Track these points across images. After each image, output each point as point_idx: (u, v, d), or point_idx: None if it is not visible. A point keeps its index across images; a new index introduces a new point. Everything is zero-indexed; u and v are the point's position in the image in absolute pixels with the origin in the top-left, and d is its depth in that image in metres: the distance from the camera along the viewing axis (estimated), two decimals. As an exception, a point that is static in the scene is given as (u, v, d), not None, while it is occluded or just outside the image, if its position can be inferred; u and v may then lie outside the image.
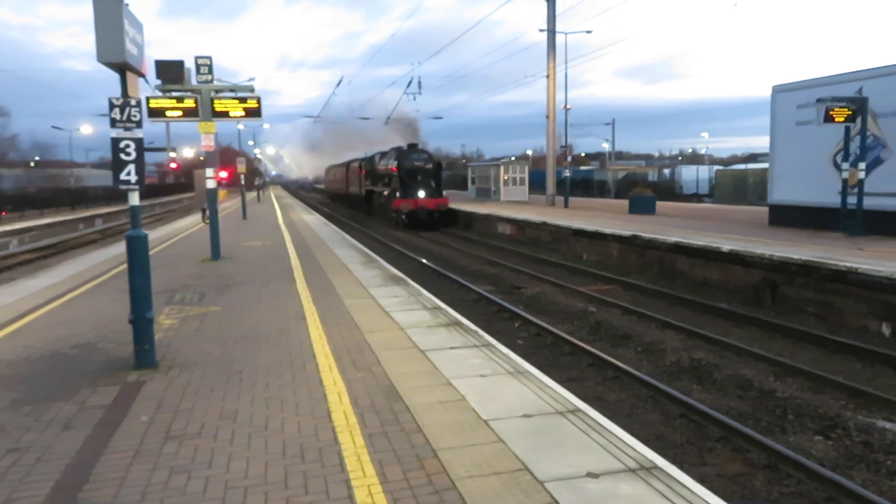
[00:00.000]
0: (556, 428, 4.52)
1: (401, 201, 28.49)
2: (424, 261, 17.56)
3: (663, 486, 3.69)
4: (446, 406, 4.97)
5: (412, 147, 31.52)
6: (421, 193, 28.74)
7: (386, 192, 31.49)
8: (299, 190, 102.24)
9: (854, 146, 14.32)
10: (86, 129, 65.59)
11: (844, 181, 14.37)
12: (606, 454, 4.10)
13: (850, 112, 14.07)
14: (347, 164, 45.48)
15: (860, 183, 14.12)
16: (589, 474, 3.82)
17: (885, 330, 9.52)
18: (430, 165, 30.43)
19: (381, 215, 33.23)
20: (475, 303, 12.35)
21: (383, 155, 34.38)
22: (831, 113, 14.03)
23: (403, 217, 28.17)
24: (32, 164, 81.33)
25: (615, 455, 4.09)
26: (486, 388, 5.38)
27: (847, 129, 14.28)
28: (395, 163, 30.40)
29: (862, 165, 14.11)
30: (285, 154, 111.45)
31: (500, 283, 14.66)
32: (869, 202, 14.17)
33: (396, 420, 4.71)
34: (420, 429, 4.53)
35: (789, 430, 6.32)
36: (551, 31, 29.16)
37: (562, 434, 4.42)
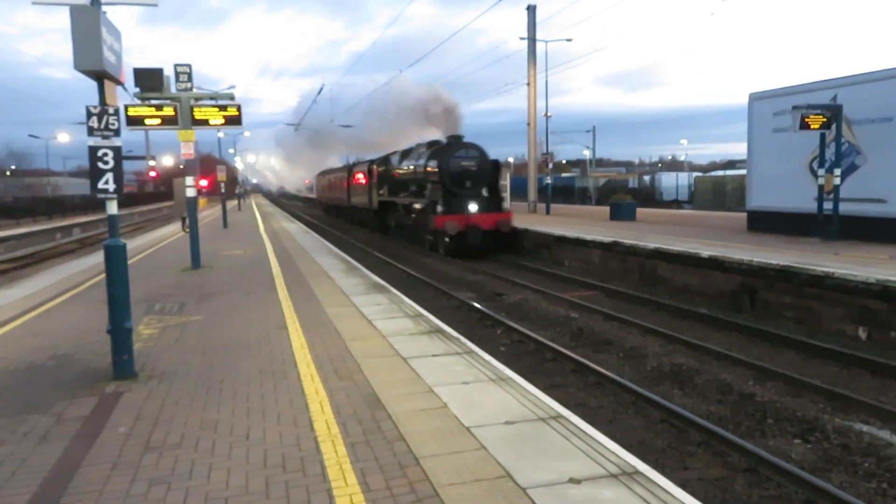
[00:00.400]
0: (538, 434, 4.54)
1: (444, 218, 20.19)
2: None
3: (645, 490, 3.72)
4: (428, 414, 4.97)
5: (456, 140, 22.33)
6: (473, 207, 20.71)
7: (418, 206, 22.82)
8: (280, 198, 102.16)
9: (829, 153, 14.55)
10: (63, 138, 64.74)
11: (820, 187, 14.58)
12: (588, 460, 4.12)
13: (825, 119, 14.30)
14: (350, 168, 36.63)
15: (836, 189, 14.35)
16: (571, 480, 3.83)
17: (862, 334, 9.66)
18: (484, 166, 21.65)
19: (406, 235, 24.93)
20: (457, 310, 12.35)
21: (407, 153, 25.92)
22: (807, 120, 14.24)
23: (447, 240, 20.21)
24: (9, 172, 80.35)
25: (597, 461, 4.11)
26: (469, 395, 5.39)
27: (822, 136, 14.51)
28: (434, 163, 21.85)
29: (837, 171, 14.34)
30: (261, 164, 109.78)
31: (482, 290, 14.67)
32: (844, 208, 14.41)
33: (379, 428, 4.70)
34: (402, 437, 4.52)
35: (769, 433, 6.38)
36: (532, 40, 29.37)
37: (544, 440, 4.43)
